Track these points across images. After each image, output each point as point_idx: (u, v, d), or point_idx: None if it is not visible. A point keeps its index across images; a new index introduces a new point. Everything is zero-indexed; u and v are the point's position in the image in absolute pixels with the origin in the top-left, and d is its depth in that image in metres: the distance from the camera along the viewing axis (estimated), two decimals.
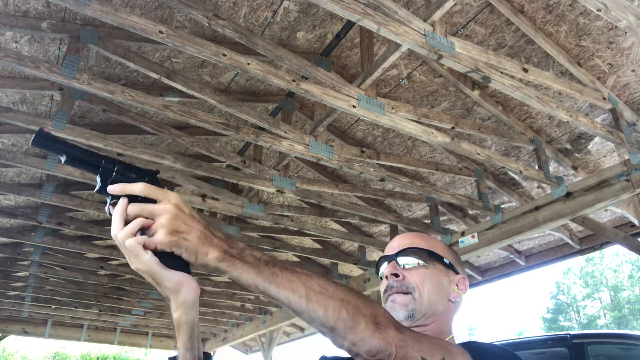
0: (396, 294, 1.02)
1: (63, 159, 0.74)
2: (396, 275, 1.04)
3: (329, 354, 1.12)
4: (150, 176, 0.76)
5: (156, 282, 0.70)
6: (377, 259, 1.14)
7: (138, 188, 0.71)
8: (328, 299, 0.70)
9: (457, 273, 1.07)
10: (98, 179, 0.74)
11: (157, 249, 0.69)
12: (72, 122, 3.56)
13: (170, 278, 0.69)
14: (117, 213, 0.70)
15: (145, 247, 0.68)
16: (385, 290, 1.05)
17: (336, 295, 0.71)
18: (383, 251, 1.12)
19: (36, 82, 3.26)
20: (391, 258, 1.07)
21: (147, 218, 0.70)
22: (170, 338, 10.36)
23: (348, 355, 0.76)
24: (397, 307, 1.01)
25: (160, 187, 0.73)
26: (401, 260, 1.06)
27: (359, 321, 0.70)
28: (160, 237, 0.68)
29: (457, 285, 1.06)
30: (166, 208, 0.70)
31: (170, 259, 0.70)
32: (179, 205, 0.71)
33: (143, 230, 0.70)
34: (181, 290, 0.70)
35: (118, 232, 0.69)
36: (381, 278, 1.10)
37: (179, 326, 0.72)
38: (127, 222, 0.70)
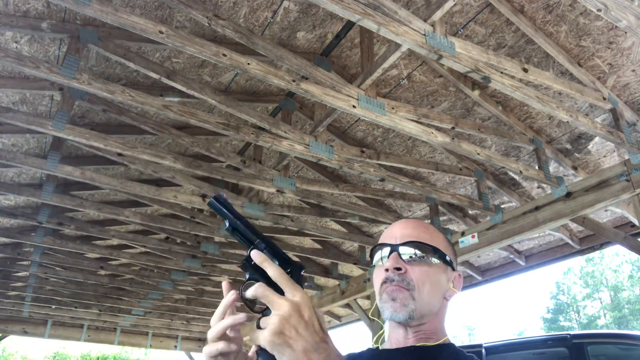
0: (396, 288, 0.98)
1: (226, 224, 0.78)
2: (399, 269, 0.99)
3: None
4: (293, 267, 0.75)
5: None
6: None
7: (273, 270, 0.71)
8: None
9: (454, 270, 1.06)
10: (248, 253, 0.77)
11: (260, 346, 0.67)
12: (72, 122, 3.56)
13: None
14: (223, 302, 0.74)
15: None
16: (384, 282, 1.00)
17: None
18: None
19: (36, 82, 3.26)
20: (393, 249, 1.02)
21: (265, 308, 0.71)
22: (170, 338, 10.36)
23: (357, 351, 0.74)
24: (397, 307, 0.97)
25: (299, 283, 0.72)
26: (403, 250, 1.01)
27: None
28: (265, 334, 0.66)
29: (452, 282, 1.04)
30: (283, 305, 0.67)
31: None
32: (298, 308, 0.67)
33: (264, 311, 0.71)
34: None
35: (214, 321, 0.73)
36: (373, 266, 1.06)
37: None
38: (245, 301, 0.73)
